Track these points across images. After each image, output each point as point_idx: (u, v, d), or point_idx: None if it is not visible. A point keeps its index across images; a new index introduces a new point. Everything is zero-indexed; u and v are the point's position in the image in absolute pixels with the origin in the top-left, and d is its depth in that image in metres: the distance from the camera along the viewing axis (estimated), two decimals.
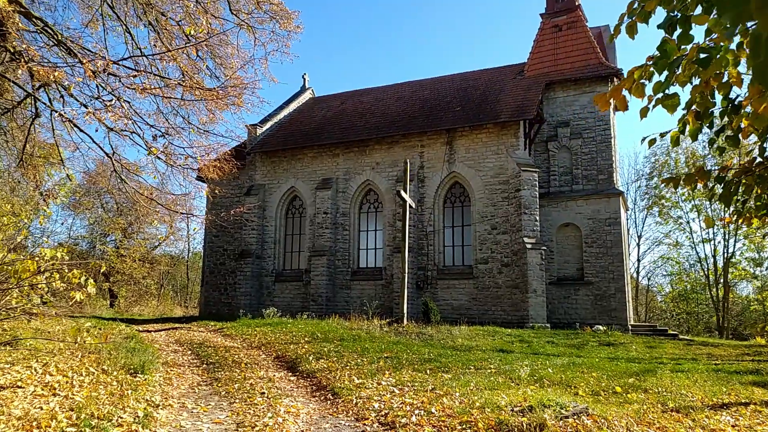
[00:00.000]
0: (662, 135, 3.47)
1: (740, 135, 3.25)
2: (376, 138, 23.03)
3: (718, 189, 3.61)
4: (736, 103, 3.15)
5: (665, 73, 2.72)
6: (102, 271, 35.43)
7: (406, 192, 16.82)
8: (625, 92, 2.95)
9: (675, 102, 2.84)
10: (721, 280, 30.85)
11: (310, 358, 9.13)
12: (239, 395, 6.66)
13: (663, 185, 25.07)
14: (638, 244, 35.65)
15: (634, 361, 12.08)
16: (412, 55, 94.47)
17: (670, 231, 34.37)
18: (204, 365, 8.90)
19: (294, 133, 25.82)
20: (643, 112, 3.00)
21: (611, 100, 3.02)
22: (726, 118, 3.24)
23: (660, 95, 2.84)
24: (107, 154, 7.70)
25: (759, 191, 3.48)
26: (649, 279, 39.17)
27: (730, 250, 30.69)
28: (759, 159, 3.41)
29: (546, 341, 15.18)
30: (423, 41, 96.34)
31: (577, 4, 23.94)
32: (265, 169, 25.41)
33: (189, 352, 10.37)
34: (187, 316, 27.45)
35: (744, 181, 3.42)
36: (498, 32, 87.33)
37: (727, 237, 30.65)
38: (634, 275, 34.28)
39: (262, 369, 8.51)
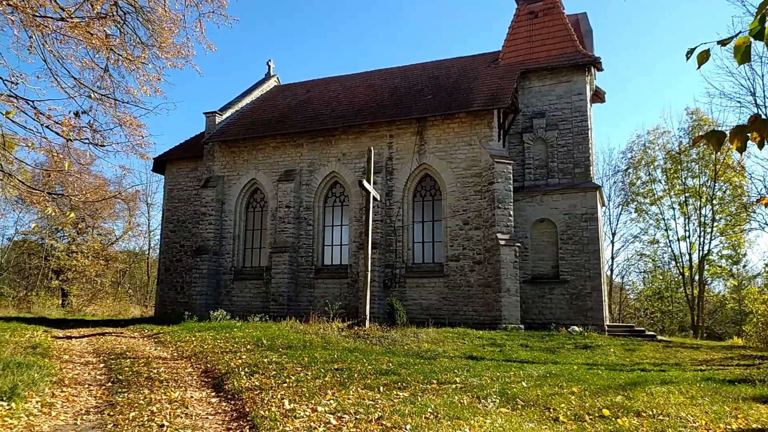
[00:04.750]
0: (722, 43, 2.20)
1: None
2: (343, 127, 21.58)
3: None
4: None
5: None
6: (52, 267, 33.54)
7: (369, 183, 15.44)
8: None
9: None
10: (696, 278, 30.25)
11: (243, 372, 7.66)
12: (130, 428, 5.19)
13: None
14: (612, 242, 34.92)
15: (615, 368, 10.98)
16: (383, 44, 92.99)
17: (647, 227, 33.67)
18: (109, 383, 7.35)
19: (256, 122, 24.20)
20: None
21: None
22: None
23: None
24: None
25: None
26: (622, 277, 38.54)
27: (706, 247, 30.12)
28: None
29: (519, 345, 14.04)
30: (394, 30, 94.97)
31: None
32: (224, 160, 23.75)
33: (102, 366, 8.78)
34: (142, 318, 25.72)
35: None
36: (472, 20, 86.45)
37: (702, 234, 30.05)
38: (608, 273, 33.54)
39: (180, 388, 7.02)
